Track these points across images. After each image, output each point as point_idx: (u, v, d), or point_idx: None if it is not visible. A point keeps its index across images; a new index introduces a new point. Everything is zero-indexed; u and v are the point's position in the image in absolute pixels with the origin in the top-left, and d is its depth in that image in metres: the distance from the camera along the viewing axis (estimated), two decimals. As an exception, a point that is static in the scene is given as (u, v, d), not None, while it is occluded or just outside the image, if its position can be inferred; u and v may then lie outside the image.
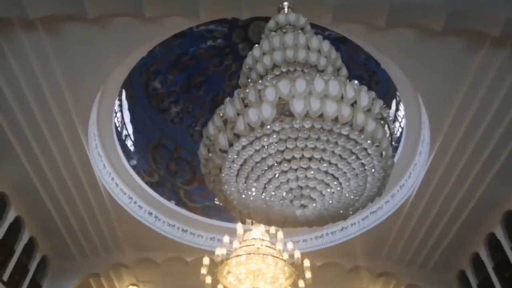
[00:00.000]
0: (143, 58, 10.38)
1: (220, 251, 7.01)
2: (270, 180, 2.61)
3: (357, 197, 2.85)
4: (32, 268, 10.73)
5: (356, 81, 2.80)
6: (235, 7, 6.38)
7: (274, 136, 2.49)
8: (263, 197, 2.70)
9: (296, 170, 2.52)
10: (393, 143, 3.03)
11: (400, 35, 6.76)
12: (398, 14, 6.02)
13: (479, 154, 8.17)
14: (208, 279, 7.20)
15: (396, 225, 10.68)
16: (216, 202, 15.62)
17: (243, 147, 2.57)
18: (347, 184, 2.70)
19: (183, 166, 15.11)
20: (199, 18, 6.84)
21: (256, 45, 3.28)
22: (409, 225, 10.54)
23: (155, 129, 14.46)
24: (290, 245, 7.44)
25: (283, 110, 2.53)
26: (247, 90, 2.67)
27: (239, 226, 7.67)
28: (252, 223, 8.31)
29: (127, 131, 13.01)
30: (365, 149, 2.62)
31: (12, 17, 6.29)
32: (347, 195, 2.77)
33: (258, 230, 7.73)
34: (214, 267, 7.45)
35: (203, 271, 7.17)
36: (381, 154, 2.76)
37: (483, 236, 10.18)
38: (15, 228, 9.95)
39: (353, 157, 2.62)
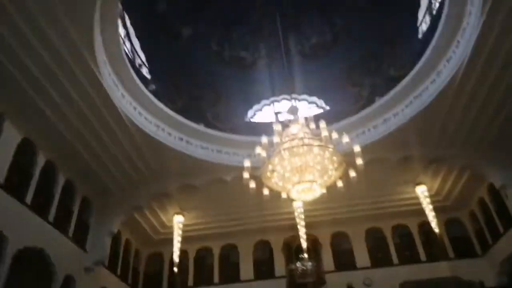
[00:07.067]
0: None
1: (259, 150, 6.35)
2: None
3: None
4: (76, 209, 10.70)
5: None
6: None
7: None
8: None
9: None
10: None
11: None
12: None
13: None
14: (252, 184, 6.66)
15: (445, 106, 9.66)
16: (246, 120, 15.09)
17: None
18: None
19: (206, 89, 14.31)
20: None
21: None
22: (459, 103, 9.50)
23: (169, 55, 13.52)
24: (335, 135, 6.69)
25: None
26: None
27: (275, 124, 6.92)
28: (289, 121, 7.54)
29: (140, 59, 12.17)
30: None
31: None
32: None
33: (297, 126, 6.97)
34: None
35: (246, 175, 6.62)
36: None
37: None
38: (49, 172, 9.73)
39: None
